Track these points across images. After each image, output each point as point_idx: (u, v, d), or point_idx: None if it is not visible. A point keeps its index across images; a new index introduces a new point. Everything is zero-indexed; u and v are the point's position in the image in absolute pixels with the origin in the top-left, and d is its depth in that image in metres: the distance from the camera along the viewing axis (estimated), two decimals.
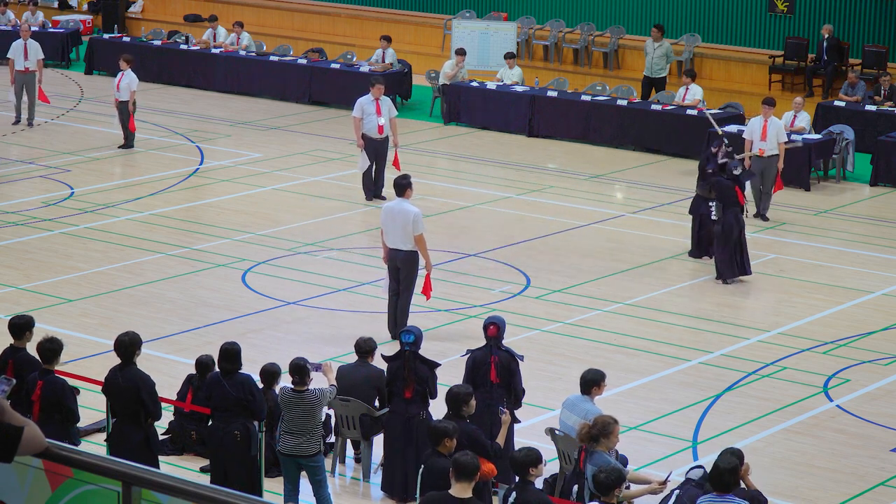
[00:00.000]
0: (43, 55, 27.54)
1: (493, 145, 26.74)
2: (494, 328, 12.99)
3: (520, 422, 13.12)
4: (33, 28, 32.03)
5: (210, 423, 13.60)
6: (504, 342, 13.15)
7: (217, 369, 12.52)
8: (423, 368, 12.70)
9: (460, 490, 9.61)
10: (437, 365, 12.91)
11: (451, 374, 14.06)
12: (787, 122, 23.93)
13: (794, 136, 23.20)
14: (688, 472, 11.58)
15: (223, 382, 12.15)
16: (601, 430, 10.86)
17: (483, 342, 13.08)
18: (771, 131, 22.02)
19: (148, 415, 11.88)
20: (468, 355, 13.09)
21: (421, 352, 12.85)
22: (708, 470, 11.26)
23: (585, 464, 10.96)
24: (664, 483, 11.40)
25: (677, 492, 11.44)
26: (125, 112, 25.48)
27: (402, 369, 12.68)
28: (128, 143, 25.70)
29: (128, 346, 11.89)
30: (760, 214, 21.98)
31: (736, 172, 19.14)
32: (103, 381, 12.12)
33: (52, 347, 12.21)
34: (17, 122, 27.34)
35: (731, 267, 19.02)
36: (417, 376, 12.65)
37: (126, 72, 25.49)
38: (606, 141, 26.73)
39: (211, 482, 12.06)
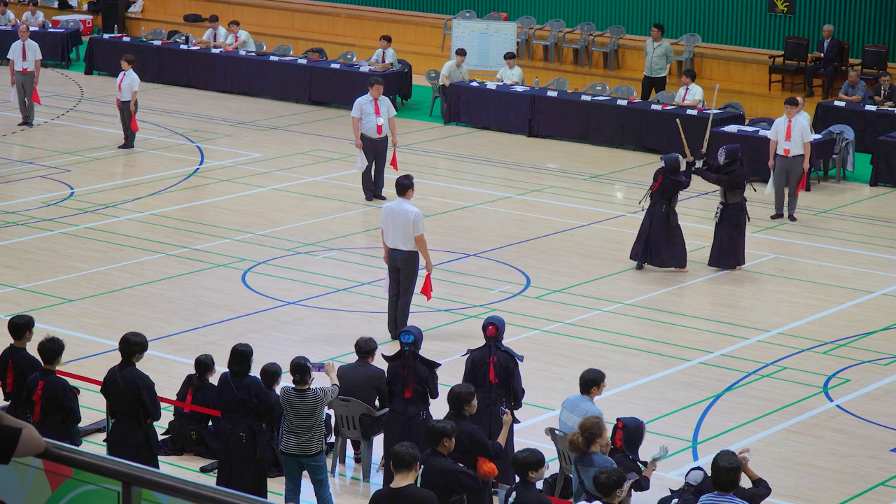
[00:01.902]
0: (41, 56, 27.56)
1: (493, 145, 26.73)
2: (493, 328, 12.98)
3: (519, 422, 13.11)
4: (32, 28, 32.06)
5: (210, 423, 13.65)
6: (504, 342, 13.15)
7: (225, 369, 12.51)
8: (422, 368, 12.69)
9: (400, 480, 9.67)
10: (437, 365, 12.90)
11: (451, 374, 14.06)
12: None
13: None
14: (686, 474, 11.55)
15: (231, 384, 12.15)
16: (591, 435, 10.83)
17: (483, 342, 13.09)
18: (795, 131, 22.01)
19: (147, 415, 11.87)
20: (468, 355, 13.09)
21: (421, 352, 12.85)
22: (707, 471, 11.28)
23: (582, 466, 10.94)
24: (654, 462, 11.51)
25: (676, 500, 11.41)
26: (127, 112, 25.50)
27: (401, 369, 12.68)
28: (128, 142, 25.70)
29: (132, 346, 11.86)
30: (789, 215, 21.97)
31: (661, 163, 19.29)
32: (102, 380, 12.11)
33: (53, 347, 12.21)
34: (25, 122, 27.36)
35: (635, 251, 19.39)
36: (417, 376, 12.65)
37: (128, 72, 25.52)
38: (606, 141, 26.73)
39: (217, 483, 12.08)
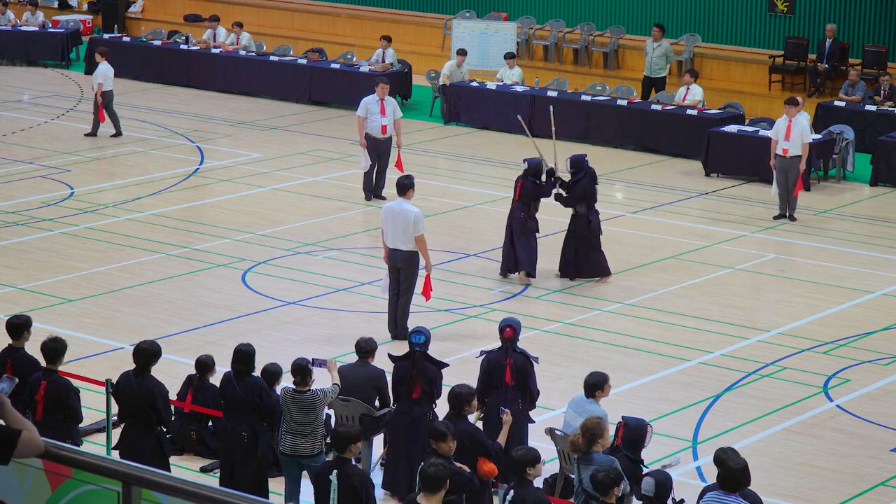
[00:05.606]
0: None
1: (493, 145, 26.73)
2: (511, 330, 12.97)
3: (534, 422, 13.12)
4: (32, 28, 32.08)
5: (210, 423, 13.65)
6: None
7: (225, 369, 12.50)
8: (431, 369, 12.69)
9: (424, 498, 9.51)
10: (446, 365, 12.89)
11: (452, 374, 14.04)
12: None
13: None
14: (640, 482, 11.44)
15: (234, 383, 12.14)
16: (592, 435, 10.82)
17: (498, 344, 13.05)
18: (795, 131, 21.98)
19: (160, 421, 11.86)
20: (482, 357, 13.09)
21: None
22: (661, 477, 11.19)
23: (583, 466, 10.92)
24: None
25: None
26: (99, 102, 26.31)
27: (411, 369, 12.66)
28: (93, 131, 26.48)
29: (149, 356, 11.83)
30: (789, 216, 21.93)
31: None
32: (115, 384, 12.02)
33: (56, 347, 12.21)
34: None
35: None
36: (426, 377, 12.64)
37: (100, 63, 26.25)
38: (606, 141, 26.72)
39: (220, 482, 12.08)
